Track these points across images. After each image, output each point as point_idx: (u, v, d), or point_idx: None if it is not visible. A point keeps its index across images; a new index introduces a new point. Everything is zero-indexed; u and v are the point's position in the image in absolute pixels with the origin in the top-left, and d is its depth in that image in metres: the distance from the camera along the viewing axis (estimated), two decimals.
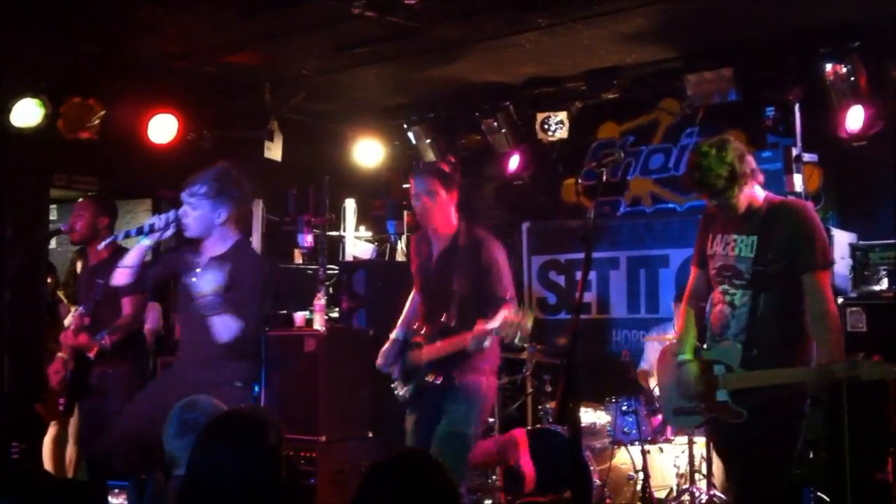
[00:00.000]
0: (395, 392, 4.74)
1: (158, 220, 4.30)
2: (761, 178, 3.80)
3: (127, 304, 5.40)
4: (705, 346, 3.86)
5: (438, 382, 4.52)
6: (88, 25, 5.74)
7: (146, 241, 4.32)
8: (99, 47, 6.06)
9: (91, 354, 5.24)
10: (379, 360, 4.80)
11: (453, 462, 4.32)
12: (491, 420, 6.17)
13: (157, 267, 4.77)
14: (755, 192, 3.77)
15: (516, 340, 4.32)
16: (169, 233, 4.33)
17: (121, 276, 4.43)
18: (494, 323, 4.23)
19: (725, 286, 3.79)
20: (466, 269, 4.56)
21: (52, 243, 7.01)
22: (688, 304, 3.99)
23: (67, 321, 5.97)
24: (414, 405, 4.68)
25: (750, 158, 3.77)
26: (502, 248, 4.72)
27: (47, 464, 5.88)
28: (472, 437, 4.56)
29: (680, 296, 4.22)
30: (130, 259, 4.36)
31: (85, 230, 5.47)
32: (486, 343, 4.35)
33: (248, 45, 6.17)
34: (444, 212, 4.65)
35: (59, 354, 5.46)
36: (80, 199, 5.72)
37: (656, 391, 5.43)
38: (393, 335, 4.84)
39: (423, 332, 4.69)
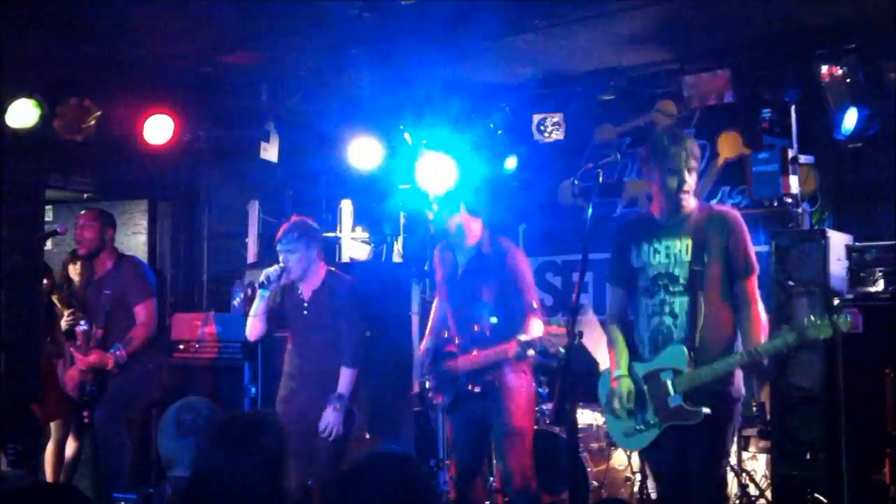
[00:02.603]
0: (432, 401, 4.95)
1: (272, 274, 4.84)
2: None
3: (140, 312, 5.45)
4: (642, 360, 3.90)
5: (478, 391, 4.73)
6: (84, 26, 5.72)
7: (265, 293, 4.88)
8: (95, 48, 6.05)
9: (110, 368, 5.28)
10: (416, 373, 5.15)
11: (518, 460, 4.63)
12: None
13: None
14: (692, 196, 3.89)
15: (560, 349, 4.44)
16: (282, 281, 4.89)
17: (255, 326, 4.96)
18: (537, 332, 4.52)
19: (662, 296, 3.83)
20: (494, 279, 4.79)
21: (48, 244, 6.99)
22: (613, 325, 4.04)
23: (63, 325, 5.98)
24: (454, 413, 4.89)
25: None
26: (525, 257, 5.01)
27: (48, 467, 5.88)
28: (529, 431, 4.76)
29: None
30: (257, 309, 4.92)
31: (94, 242, 5.60)
32: (530, 353, 4.53)
33: (245, 45, 6.17)
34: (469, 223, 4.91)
35: (78, 367, 5.47)
36: (83, 211, 5.79)
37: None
38: (423, 345, 5.11)
39: (455, 341, 4.88)
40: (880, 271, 5.27)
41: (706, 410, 3.70)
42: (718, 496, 3.95)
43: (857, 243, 5.53)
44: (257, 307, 4.91)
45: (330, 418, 4.71)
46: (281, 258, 4.89)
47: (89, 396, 5.32)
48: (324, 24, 5.72)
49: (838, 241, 5.43)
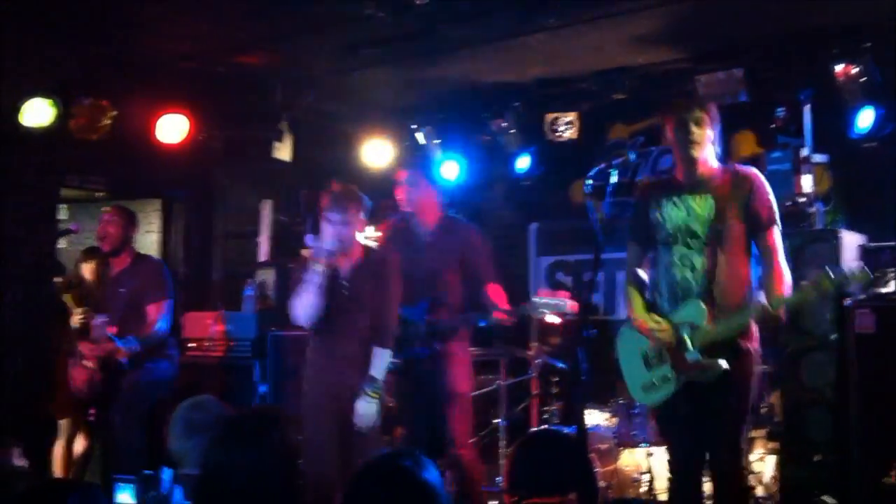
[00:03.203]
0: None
1: (327, 245, 4.41)
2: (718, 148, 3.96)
3: (152, 311, 5.48)
4: (662, 314, 3.89)
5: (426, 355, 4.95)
6: (99, 26, 5.77)
7: (319, 267, 4.41)
8: (110, 47, 6.09)
9: (120, 357, 5.30)
10: None
11: (457, 425, 4.89)
12: (497, 422, 6.17)
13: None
14: (711, 157, 3.90)
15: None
16: (336, 255, 4.43)
17: (313, 304, 4.44)
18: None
19: (681, 248, 3.85)
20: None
21: (62, 243, 7.05)
22: (629, 280, 4.07)
23: (75, 323, 6.01)
24: (405, 376, 5.00)
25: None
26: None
27: (57, 464, 5.91)
28: (469, 397, 5.04)
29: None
30: (315, 283, 4.42)
31: (118, 239, 5.62)
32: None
33: (258, 45, 6.19)
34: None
35: (87, 363, 5.50)
36: (106, 208, 5.82)
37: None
38: None
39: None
40: (893, 272, 5.22)
41: (723, 363, 3.70)
42: (739, 472, 3.89)
43: (870, 243, 5.48)
44: (315, 282, 4.39)
45: (364, 409, 4.36)
46: (332, 231, 4.41)
47: (97, 394, 5.35)
48: (337, 23, 5.74)
49: (851, 242, 5.39)
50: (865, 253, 5.38)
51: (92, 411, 5.41)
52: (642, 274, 4.07)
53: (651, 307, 3.97)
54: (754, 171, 3.93)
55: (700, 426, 3.81)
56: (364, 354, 4.45)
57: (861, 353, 4.99)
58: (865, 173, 6.08)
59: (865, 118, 5.82)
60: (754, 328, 3.85)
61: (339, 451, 4.39)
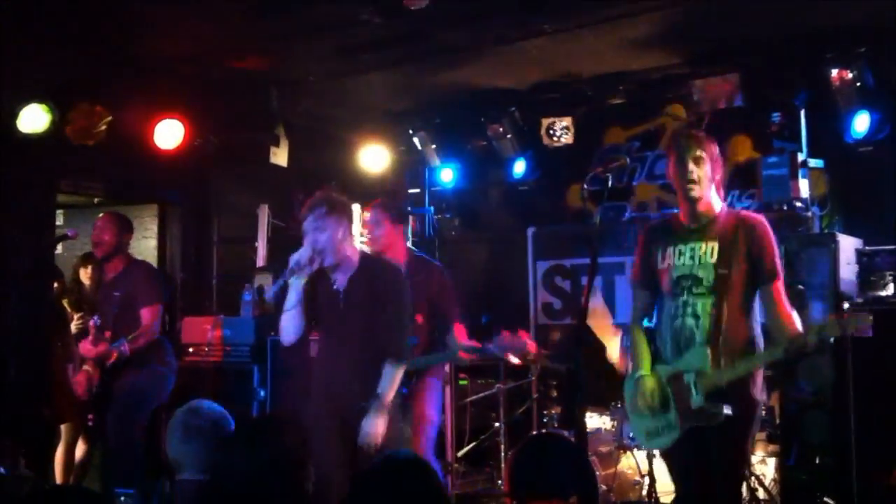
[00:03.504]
0: None
1: (303, 257, 4.12)
2: (721, 191, 3.94)
3: (146, 315, 5.49)
4: (665, 362, 3.91)
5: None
6: (95, 30, 5.76)
7: (299, 281, 4.14)
8: (106, 52, 6.08)
9: (109, 362, 5.31)
10: None
11: (420, 447, 4.85)
12: (497, 425, 6.18)
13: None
14: (715, 200, 3.88)
15: None
16: (314, 266, 4.14)
17: (292, 322, 4.19)
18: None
19: (685, 297, 3.84)
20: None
21: (58, 248, 7.03)
22: (636, 326, 4.04)
23: (73, 328, 6.01)
24: None
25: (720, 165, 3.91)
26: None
27: (58, 470, 5.90)
28: (434, 423, 5.04)
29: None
30: (293, 301, 4.16)
31: (111, 245, 5.61)
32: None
33: (254, 49, 6.19)
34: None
35: (86, 367, 5.52)
36: (101, 214, 5.83)
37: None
38: None
39: None
40: (890, 275, 5.25)
41: (727, 410, 3.71)
42: (737, 499, 3.96)
43: (866, 247, 5.51)
44: (293, 299, 4.14)
45: (370, 428, 4.05)
46: (308, 239, 4.15)
47: (95, 398, 5.34)
48: (333, 28, 5.75)
49: (848, 245, 5.41)
50: (862, 256, 5.41)
51: (90, 416, 5.40)
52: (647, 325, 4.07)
53: (655, 357, 3.96)
54: (760, 218, 3.91)
55: (705, 464, 3.81)
56: (374, 368, 4.14)
57: (859, 356, 5.02)
58: (861, 177, 6.11)
59: (861, 123, 5.85)
60: (759, 375, 3.84)
61: (344, 470, 4.11)
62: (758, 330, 3.86)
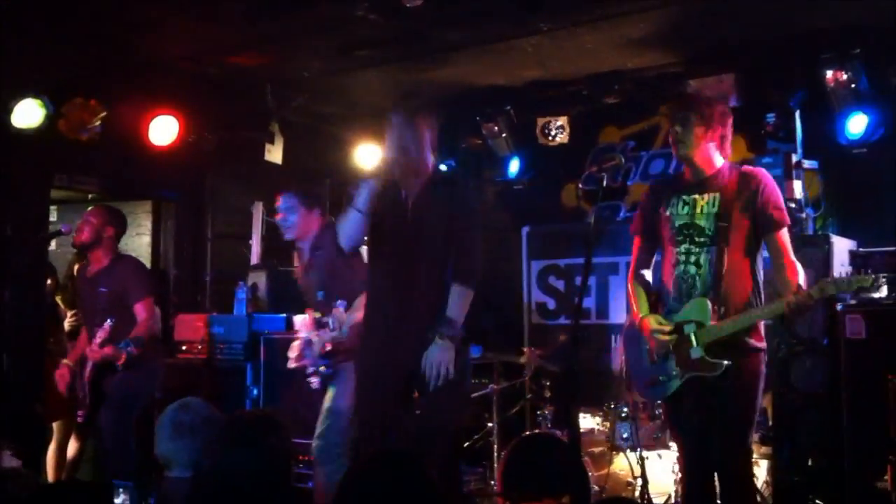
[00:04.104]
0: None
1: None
2: (728, 150, 3.99)
3: (140, 310, 5.42)
4: (667, 310, 3.94)
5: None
6: (90, 26, 5.75)
7: (372, 183, 3.85)
8: (100, 48, 6.06)
9: (120, 364, 5.23)
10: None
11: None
12: (490, 425, 6.18)
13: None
14: (716, 156, 3.93)
15: None
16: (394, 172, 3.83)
17: (358, 225, 3.86)
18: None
19: (687, 246, 3.89)
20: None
21: (52, 244, 7.01)
22: (636, 276, 4.09)
23: (66, 325, 5.98)
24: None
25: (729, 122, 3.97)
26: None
27: (49, 467, 5.89)
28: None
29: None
30: (362, 201, 3.84)
31: (89, 236, 5.50)
32: None
33: (250, 46, 6.18)
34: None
35: (65, 362, 5.46)
36: (92, 207, 5.76)
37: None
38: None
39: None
40: (884, 277, 5.23)
41: (726, 363, 3.73)
42: (746, 474, 3.90)
43: (860, 249, 5.52)
44: (362, 200, 3.80)
45: (438, 355, 3.62)
46: (391, 138, 3.94)
47: (88, 395, 5.31)
48: (329, 25, 5.73)
49: (842, 247, 5.42)
50: (856, 258, 5.41)
51: (80, 413, 5.36)
52: (647, 274, 4.11)
53: (655, 306, 4.00)
54: (762, 170, 3.96)
55: (707, 426, 3.81)
56: (438, 300, 3.72)
57: (852, 358, 5.02)
58: (856, 179, 6.12)
59: (856, 124, 5.86)
60: (761, 326, 3.87)
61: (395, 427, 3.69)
62: (761, 283, 3.90)
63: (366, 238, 4.02)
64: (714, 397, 3.78)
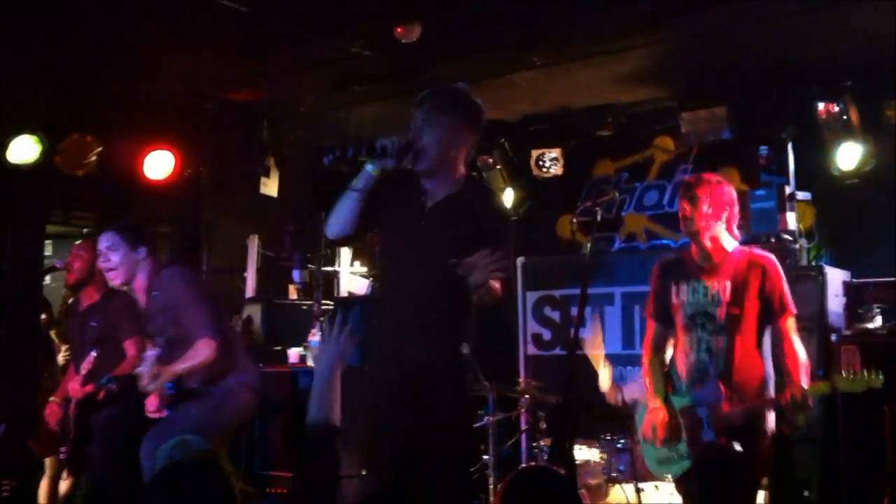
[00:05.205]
0: None
1: (391, 144, 3.41)
2: (736, 232, 4.07)
3: (130, 346, 5.38)
4: (679, 394, 4.03)
5: None
6: (86, 62, 5.78)
7: (375, 169, 3.46)
8: (97, 84, 6.10)
9: (100, 397, 5.19)
10: None
11: None
12: (486, 458, 6.14)
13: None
14: (725, 240, 4.01)
15: None
16: (405, 162, 3.44)
17: (350, 212, 3.51)
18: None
19: (700, 333, 3.96)
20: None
21: (47, 279, 6.99)
22: (652, 357, 4.16)
23: (60, 360, 5.95)
24: None
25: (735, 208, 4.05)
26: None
27: (42, 501, 5.83)
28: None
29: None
30: (358, 184, 3.48)
31: (82, 272, 5.44)
32: None
33: (246, 81, 6.22)
34: None
35: (53, 399, 5.42)
36: (80, 241, 5.71)
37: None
38: None
39: None
40: (878, 307, 5.27)
41: (738, 448, 3.79)
42: None
43: (854, 279, 5.54)
44: (359, 183, 3.44)
45: (477, 259, 3.26)
46: (412, 129, 3.47)
47: (75, 431, 5.26)
48: (325, 60, 5.78)
49: (836, 278, 5.44)
50: (849, 289, 5.43)
51: (63, 449, 5.30)
52: (665, 358, 4.16)
53: (666, 385, 4.08)
54: (769, 258, 4.02)
55: (716, 495, 3.87)
56: (452, 310, 3.43)
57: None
58: (849, 210, 6.15)
59: (848, 156, 5.90)
60: (770, 413, 3.94)
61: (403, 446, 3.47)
62: (771, 368, 3.96)
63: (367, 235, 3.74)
64: (723, 477, 3.83)
